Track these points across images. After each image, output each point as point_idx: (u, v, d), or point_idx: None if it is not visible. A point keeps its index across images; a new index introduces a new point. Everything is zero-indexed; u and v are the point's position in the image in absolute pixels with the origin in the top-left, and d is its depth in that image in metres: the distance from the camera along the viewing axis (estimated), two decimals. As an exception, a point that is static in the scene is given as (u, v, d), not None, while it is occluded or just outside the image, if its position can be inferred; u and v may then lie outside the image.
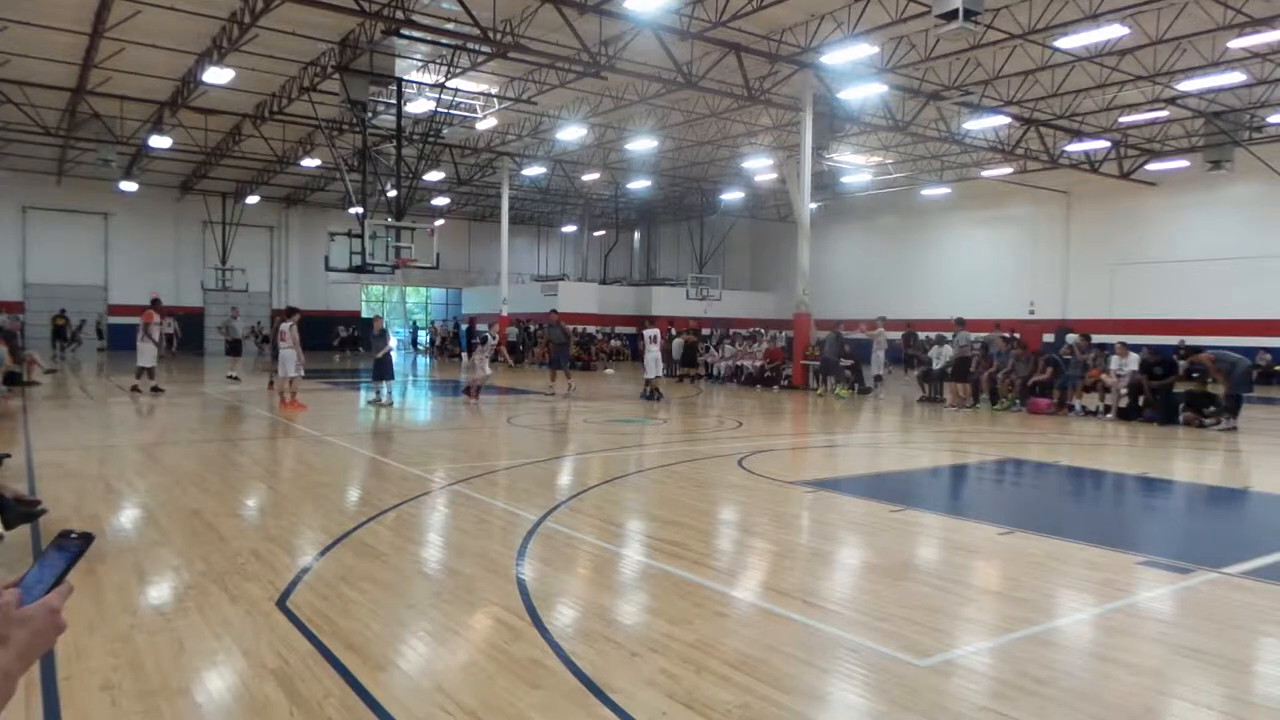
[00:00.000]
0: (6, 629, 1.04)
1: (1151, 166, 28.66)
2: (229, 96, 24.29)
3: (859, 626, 4.44)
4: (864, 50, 18.93)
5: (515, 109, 25.93)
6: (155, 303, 17.97)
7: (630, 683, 3.65)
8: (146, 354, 17.15)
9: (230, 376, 21.09)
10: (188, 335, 38.07)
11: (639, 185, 37.76)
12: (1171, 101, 23.08)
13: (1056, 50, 18.76)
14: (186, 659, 3.89)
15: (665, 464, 9.88)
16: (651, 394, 18.23)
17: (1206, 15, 16.87)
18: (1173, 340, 24.33)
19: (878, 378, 20.70)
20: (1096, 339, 18.15)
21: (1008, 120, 24.99)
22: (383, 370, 16.11)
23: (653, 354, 18.62)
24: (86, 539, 1.16)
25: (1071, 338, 18.02)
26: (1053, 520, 7.56)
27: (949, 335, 20.44)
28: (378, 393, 16.16)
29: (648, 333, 19.49)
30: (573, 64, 19.51)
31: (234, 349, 23.12)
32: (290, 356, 15.34)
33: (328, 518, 6.86)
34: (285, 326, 15.67)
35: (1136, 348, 16.28)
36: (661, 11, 17.62)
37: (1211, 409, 14.41)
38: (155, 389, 17.12)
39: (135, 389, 17.09)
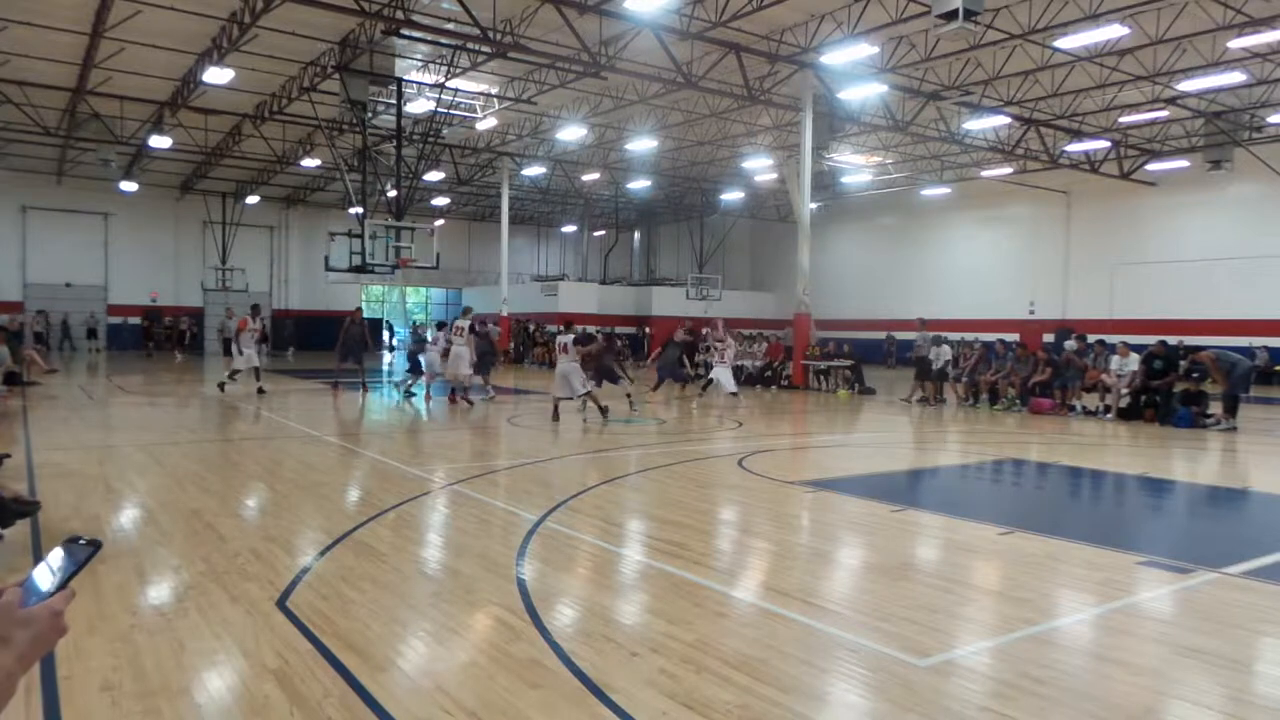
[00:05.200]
0: (9, 629, 1.04)
1: (1151, 166, 28.67)
2: (229, 96, 24.29)
3: (859, 626, 4.43)
4: (864, 50, 18.95)
5: (515, 109, 25.93)
6: (255, 309, 18.72)
7: (630, 683, 3.65)
8: (242, 358, 17.91)
9: (228, 377, 21.05)
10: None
11: (639, 185, 37.75)
12: (1171, 101, 23.08)
13: (1056, 50, 18.76)
14: (186, 659, 3.89)
15: (665, 464, 9.87)
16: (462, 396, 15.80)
17: (1206, 15, 16.87)
18: (1172, 340, 24.31)
19: (697, 376, 20.62)
20: (1095, 338, 18.13)
21: (1008, 120, 24.98)
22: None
23: (462, 351, 15.44)
24: (94, 546, 1.16)
25: (1069, 344, 18.01)
26: (1053, 520, 7.57)
27: (946, 335, 20.44)
28: (409, 389, 17.08)
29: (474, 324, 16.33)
30: (573, 64, 19.52)
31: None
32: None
33: (328, 518, 6.86)
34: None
35: (1139, 348, 16.25)
36: (661, 11, 17.62)
37: (1198, 409, 14.35)
38: (260, 390, 17.58)
39: (224, 385, 18.10)
